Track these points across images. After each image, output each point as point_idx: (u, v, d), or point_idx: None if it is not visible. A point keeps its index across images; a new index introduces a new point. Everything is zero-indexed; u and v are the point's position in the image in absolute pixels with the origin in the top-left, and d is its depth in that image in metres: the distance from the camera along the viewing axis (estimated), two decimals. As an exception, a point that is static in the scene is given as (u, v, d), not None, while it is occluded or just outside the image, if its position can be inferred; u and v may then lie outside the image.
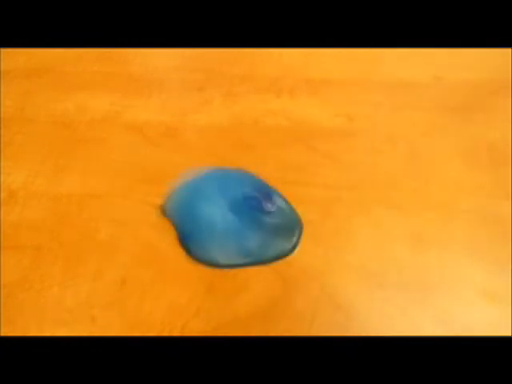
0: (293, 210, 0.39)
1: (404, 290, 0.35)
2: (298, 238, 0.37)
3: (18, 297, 0.36)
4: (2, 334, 0.33)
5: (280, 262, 0.37)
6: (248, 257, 0.36)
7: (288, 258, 0.38)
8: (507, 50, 0.57)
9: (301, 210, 0.41)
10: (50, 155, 0.47)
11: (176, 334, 0.33)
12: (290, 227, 0.38)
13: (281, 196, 0.38)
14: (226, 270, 0.37)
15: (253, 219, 0.37)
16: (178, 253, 0.38)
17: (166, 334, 0.33)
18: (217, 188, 0.36)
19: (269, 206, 0.36)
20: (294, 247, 0.37)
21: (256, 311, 0.34)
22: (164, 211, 0.39)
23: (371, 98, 0.52)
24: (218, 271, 0.37)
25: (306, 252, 0.38)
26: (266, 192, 0.37)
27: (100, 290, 0.36)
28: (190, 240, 0.37)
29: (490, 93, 0.52)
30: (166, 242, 0.39)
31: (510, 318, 0.33)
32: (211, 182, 0.38)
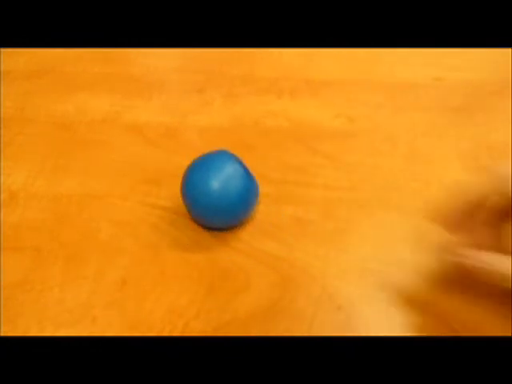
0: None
1: (404, 290, 0.35)
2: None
3: (18, 297, 0.36)
4: (3, 335, 0.33)
5: (280, 262, 0.37)
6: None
7: (288, 258, 0.38)
8: (507, 50, 0.57)
9: (301, 211, 0.41)
10: (50, 156, 0.47)
11: (176, 334, 0.33)
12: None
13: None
14: (226, 270, 0.37)
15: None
16: (178, 253, 0.38)
17: (166, 334, 0.33)
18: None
19: None
20: None
21: (256, 311, 0.34)
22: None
23: (371, 98, 0.53)
24: (217, 272, 0.37)
25: (306, 252, 0.38)
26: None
27: (100, 290, 0.36)
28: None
29: (490, 93, 0.52)
30: (167, 242, 0.39)
31: (509, 319, 0.33)
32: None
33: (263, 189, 0.43)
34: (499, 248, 0.29)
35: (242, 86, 0.55)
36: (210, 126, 0.50)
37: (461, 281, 0.34)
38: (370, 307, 0.35)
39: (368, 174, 0.44)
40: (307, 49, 0.59)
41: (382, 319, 0.34)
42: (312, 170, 0.45)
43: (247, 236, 0.39)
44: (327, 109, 0.51)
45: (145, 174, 0.45)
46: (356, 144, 0.47)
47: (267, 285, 0.36)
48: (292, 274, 0.37)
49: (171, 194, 0.43)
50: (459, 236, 0.32)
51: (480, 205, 0.31)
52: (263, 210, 0.41)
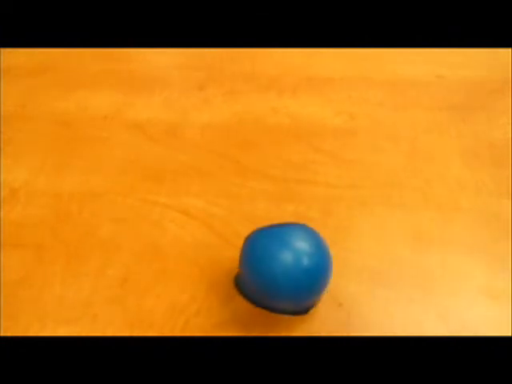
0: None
1: (405, 288, 0.35)
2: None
3: (19, 295, 0.36)
4: (4, 332, 0.34)
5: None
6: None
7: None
8: (508, 50, 0.57)
9: (302, 208, 0.41)
10: (51, 153, 0.47)
11: (177, 331, 0.33)
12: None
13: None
14: (226, 268, 0.37)
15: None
16: (179, 251, 0.38)
17: (166, 331, 0.33)
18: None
19: None
20: None
21: (256, 310, 0.34)
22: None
23: (373, 96, 0.52)
24: (218, 269, 0.37)
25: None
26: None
27: (101, 287, 0.36)
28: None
29: (491, 91, 0.52)
30: (167, 239, 0.39)
31: (510, 317, 0.33)
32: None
33: (264, 186, 0.43)
34: None
35: (243, 84, 0.55)
36: (211, 123, 0.50)
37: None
38: (370, 306, 0.35)
39: (369, 172, 0.44)
40: (309, 48, 0.59)
41: (383, 318, 0.34)
42: (313, 167, 0.45)
43: (248, 233, 0.39)
44: (328, 106, 0.51)
45: (146, 172, 0.45)
46: (357, 141, 0.47)
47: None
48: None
49: (172, 191, 0.43)
50: None
51: None
52: (264, 208, 0.41)
